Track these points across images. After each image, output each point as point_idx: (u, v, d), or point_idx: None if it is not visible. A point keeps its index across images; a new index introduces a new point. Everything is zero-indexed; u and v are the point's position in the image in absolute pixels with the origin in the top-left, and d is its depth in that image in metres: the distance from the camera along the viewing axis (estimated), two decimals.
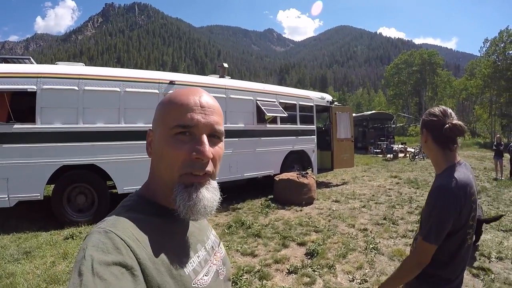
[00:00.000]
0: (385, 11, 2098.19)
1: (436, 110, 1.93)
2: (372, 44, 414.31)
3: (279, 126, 10.53)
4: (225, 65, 10.80)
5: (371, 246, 5.86)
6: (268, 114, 9.81)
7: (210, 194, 0.88)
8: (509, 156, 15.01)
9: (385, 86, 79.04)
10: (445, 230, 1.74)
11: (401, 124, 54.30)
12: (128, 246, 0.75)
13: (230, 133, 9.03)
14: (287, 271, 4.90)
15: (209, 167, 0.89)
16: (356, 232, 6.77)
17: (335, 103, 13.28)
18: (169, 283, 0.79)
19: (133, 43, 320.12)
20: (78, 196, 7.31)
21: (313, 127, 11.87)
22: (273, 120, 10.37)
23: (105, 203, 7.30)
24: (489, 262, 5.47)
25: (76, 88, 7.06)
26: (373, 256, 5.45)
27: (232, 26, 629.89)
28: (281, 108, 10.41)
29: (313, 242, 6.02)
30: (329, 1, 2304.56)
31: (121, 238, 0.75)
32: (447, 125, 1.82)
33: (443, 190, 1.77)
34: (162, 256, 0.81)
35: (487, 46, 47.97)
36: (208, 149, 0.87)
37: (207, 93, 0.95)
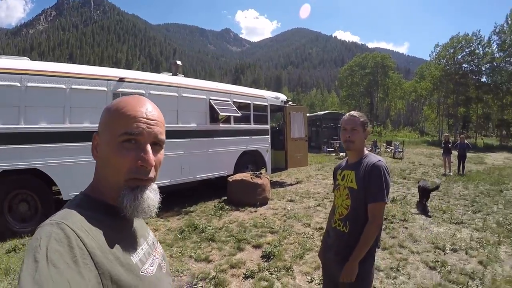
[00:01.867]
0: (342, 15, 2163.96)
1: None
2: (327, 47, 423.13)
3: (232, 125, 10.33)
4: (179, 62, 10.50)
5: None
6: (221, 114, 9.61)
7: (152, 195, 0.98)
8: (456, 153, 15.91)
9: (339, 87, 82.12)
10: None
11: None
12: (78, 237, 0.79)
13: (182, 133, 8.79)
14: (244, 275, 4.75)
15: (152, 174, 0.98)
16: (312, 231, 6.74)
17: (290, 102, 13.26)
18: (119, 270, 0.85)
19: (87, 39, 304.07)
20: (21, 204, 6.65)
21: (267, 126, 11.78)
22: (227, 120, 10.15)
23: (49, 210, 6.65)
24: (444, 254, 5.68)
25: (18, 84, 6.41)
26: None
27: (189, 25, 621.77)
28: (235, 108, 10.22)
29: (269, 244, 5.92)
30: (288, 4, 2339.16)
31: (71, 229, 0.80)
32: None
33: (383, 164, 2.37)
34: (110, 247, 0.86)
35: (438, 50, 50.44)
36: (151, 157, 0.97)
37: (152, 104, 1.04)
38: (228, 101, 10.18)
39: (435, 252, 5.73)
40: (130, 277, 0.87)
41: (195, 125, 9.21)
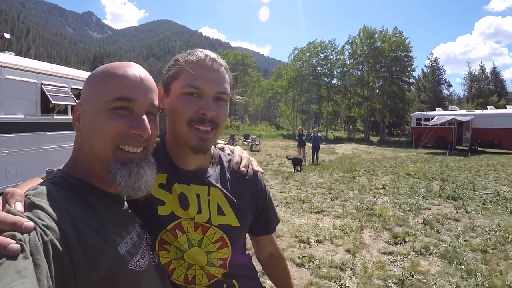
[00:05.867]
0: (210, 12, 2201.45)
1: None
2: (191, 41, 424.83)
3: (70, 117, 8.56)
4: (7, 35, 8.40)
5: None
6: (54, 102, 7.92)
7: (150, 170, 0.86)
8: (310, 145, 17.00)
9: None
10: None
11: None
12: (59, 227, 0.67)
13: (5, 127, 6.89)
14: None
15: (146, 143, 0.87)
16: None
17: None
18: (104, 264, 0.72)
19: None
20: None
21: None
22: (63, 110, 8.52)
23: None
24: (310, 247, 5.39)
25: None
26: None
27: (48, 2, 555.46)
28: (73, 96, 8.49)
29: None
30: None
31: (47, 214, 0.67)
32: None
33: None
34: (93, 236, 0.73)
35: (295, 53, 56.78)
36: (147, 124, 0.84)
37: (141, 67, 0.90)
38: (65, 87, 8.42)
39: (300, 246, 5.42)
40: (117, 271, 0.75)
41: (22, 116, 7.31)
